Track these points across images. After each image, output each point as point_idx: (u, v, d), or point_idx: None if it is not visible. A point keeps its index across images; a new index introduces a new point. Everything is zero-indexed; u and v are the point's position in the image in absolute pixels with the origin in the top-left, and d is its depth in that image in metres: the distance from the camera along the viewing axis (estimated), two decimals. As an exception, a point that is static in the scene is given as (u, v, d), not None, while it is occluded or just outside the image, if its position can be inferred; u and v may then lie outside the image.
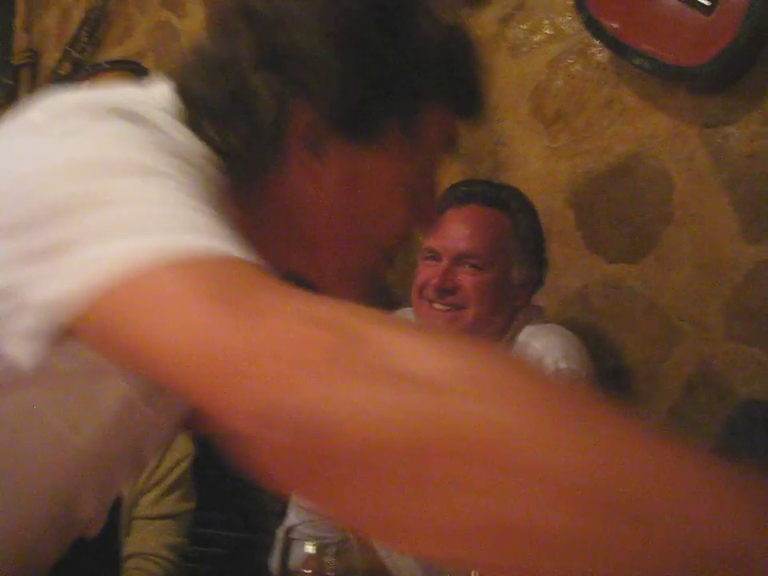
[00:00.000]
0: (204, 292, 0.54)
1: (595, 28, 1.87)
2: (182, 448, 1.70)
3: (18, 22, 3.01)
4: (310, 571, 1.09)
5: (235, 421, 0.51)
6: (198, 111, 0.80)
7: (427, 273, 1.62)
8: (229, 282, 0.55)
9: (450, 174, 1.88)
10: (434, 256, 1.62)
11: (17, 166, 0.68)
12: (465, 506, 0.46)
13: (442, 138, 0.90)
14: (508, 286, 1.61)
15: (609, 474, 0.44)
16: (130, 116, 0.70)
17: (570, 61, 2.06)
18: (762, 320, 1.79)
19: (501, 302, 1.60)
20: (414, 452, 0.47)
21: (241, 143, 0.80)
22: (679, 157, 1.91)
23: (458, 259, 1.60)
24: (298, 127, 0.81)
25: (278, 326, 0.52)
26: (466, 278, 1.58)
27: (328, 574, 1.08)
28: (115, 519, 1.40)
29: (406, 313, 1.70)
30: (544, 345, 1.58)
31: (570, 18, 2.03)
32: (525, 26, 2.13)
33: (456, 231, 1.63)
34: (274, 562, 1.24)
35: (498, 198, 1.67)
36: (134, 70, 2.47)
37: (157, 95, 0.81)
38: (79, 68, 2.59)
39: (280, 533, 1.44)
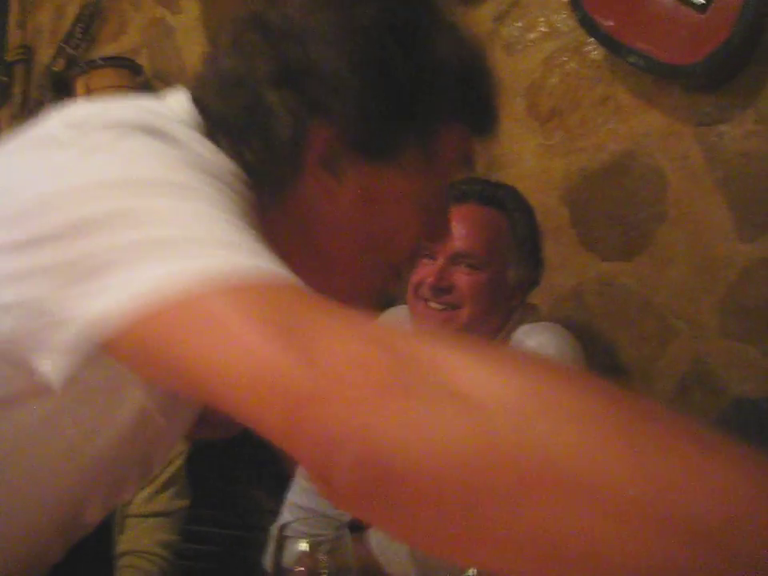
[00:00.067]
0: (257, 317, 0.54)
1: (590, 26, 1.87)
2: (176, 446, 1.70)
3: (12, 18, 3.00)
4: (303, 569, 1.09)
5: (300, 448, 0.51)
6: (213, 125, 0.79)
7: (423, 271, 1.61)
8: (279, 305, 0.55)
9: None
10: (430, 254, 1.62)
11: (40, 180, 0.67)
12: (542, 529, 0.46)
13: (459, 156, 0.89)
14: (504, 285, 1.61)
15: (688, 499, 0.44)
16: (153, 131, 0.69)
17: (565, 58, 2.06)
18: (756, 318, 1.80)
19: (496, 301, 1.60)
20: (482, 480, 0.46)
21: (256, 160, 0.79)
22: (673, 155, 1.91)
23: (454, 258, 1.60)
24: (314, 146, 0.80)
25: (336, 350, 0.51)
26: (461, 278, 1.58)
27: (322, 571, 1.08)
28: (108, 517, 1.40)
29: (400, 310, 1.70)
30: (538, 343, 1.58)
31: (564, 16, 2.03)
32: (520, 24, 2.13)
33: (453, 230, 1.63)
34: (268, 559, 1.24)
35: (496, 198, 1.66)
36: (128, 66, 2.46)
37: (175, 107, 0.80)
38: (73, 64, 2.58)
39: (274, 530, 1.44)
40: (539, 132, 2.09)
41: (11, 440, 0.74)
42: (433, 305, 1.58)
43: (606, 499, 0.44)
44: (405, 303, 1.68)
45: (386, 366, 0.49)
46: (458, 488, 0.47)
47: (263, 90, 0.79)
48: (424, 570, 1.39)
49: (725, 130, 1.85)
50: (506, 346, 1.61)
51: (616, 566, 0.44)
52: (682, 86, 1.89)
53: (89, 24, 2.63)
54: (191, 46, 2.50)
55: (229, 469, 1.90)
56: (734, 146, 1.84)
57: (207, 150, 0.73)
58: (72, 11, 2.74)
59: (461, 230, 1.61)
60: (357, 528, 1.25)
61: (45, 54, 2.85)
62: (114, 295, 0.57)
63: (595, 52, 2.00)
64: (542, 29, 2.09)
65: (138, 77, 2.47)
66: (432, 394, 0.48)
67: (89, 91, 2.35)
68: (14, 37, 2.98)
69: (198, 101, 0.81)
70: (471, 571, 1.02)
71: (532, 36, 2.11)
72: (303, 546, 1.09)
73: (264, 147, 0.79)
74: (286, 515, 1.63)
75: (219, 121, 0.80)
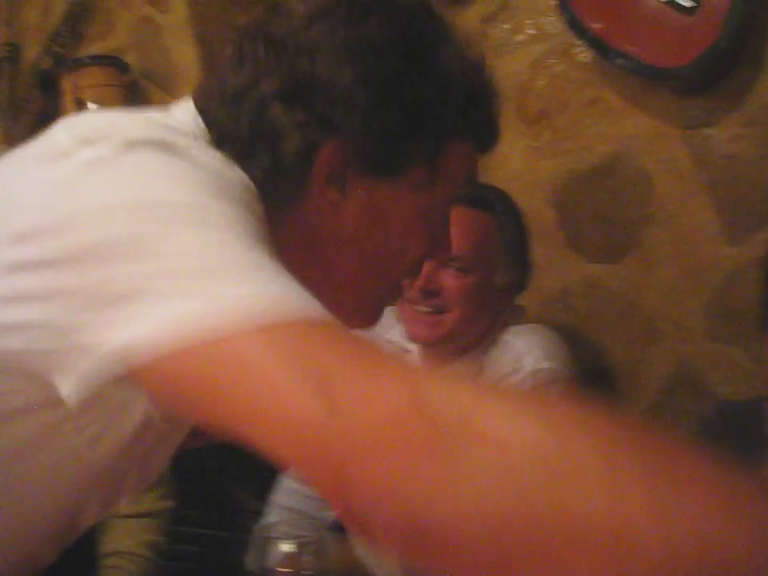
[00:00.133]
0: (290, 361, 0.54)
1: (578, 28, 1.87)
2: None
3: (-1, 15, 2.98)
4: (287, 570, 1.09)
5: (337, 504, 0.53)
6: (219, 137, 0.79)
7: (411, 274, 1.61)
8: (311, 347, 0.55)
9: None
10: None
11: (54, 197, 0.66)
12: None
13: (463, 172, 0.90)
14: (491, 288, 1.60)
15: (713, 548, 0.46)
16: (165, 146, 0.68)
17: (553, 61, 2.06)
18: (741, 320, 1.80)
19: (484, 304, 1.60)
20: (515, 541, 0.48)
21: (263, 174, 0.79)
22: (660, 157, 1.92)
23: (443, 261, 1.60)
24: (321, 161, 0.80)
25: (369, 405, 0.52)
26: (449, 281, 1.57)
27: (305, 572, 1.08)
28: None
29: (387, 313, 1.70)
30: (526, 344, 1.58)
31: (553, 18, 2.03)
32: (508, 26, 2.13)
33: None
34: (252, 560, 1.23)
35: (485, 200, 1.66)
36: (115, 65, 2.45)
37: (183, 119, 0.80)
38: (60, 63, 2.57)
39: (258, 531, 1.44)
40: (527, 134, 2.09)
41: (14, 445, 0.74)
42: (421, 308, 1.58)
43: (633, 557, 0.46)
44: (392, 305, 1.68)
45: (419, 425, 0.50)
46: (492, 548, 0.49)
47: (270, 105, 0.79)
48: (411, 571, 1.39)
49: (712, 132, 1.86)
50: (488, 350, 1.61)
51: None
52: (670, 89, 1.89)
53: (76, 22, 2.61)
54: (179, 45, 2.49)
55: (214, 470, 1.89)
56: (721, 149, 1.84)
57: (219, 164, 0.72)
58: (59, 9, 2.73)
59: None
60: (342, 529, 1.25)
61: (32, 52, 2.84)
62: (143, 325, 0.57)
63: (583, 54, 2.00)
64: (530, 31, 2.09)
65: (125, 75, 2.46)
66: (461, 452, 0.49)
67: (76, 90, 2.34)
68: (0, 34, 2.96)
69: (202, 112, 0.81)
70: None
71: (520, 38, 2.11)
72: (287, 547, 1.09)
73: (271, 162, 0.79)
74: (270, 516, 1.63)
75: (225, 134, 0.80)
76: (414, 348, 1.65)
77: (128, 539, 1.58)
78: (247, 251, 0.61)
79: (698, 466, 0.49)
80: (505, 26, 2.13)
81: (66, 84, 2.37)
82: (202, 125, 0.80)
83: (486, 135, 0.91)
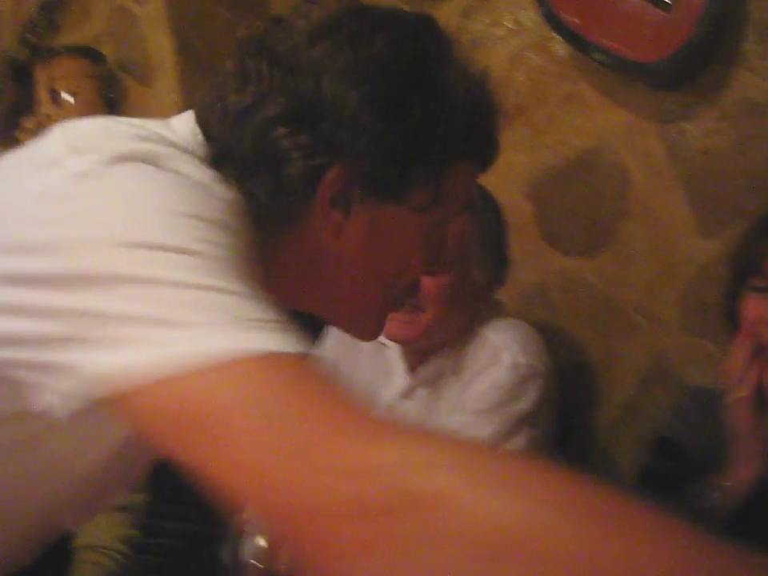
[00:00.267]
0: (260, 416, 0.54)
1: (555, 22, 1.87)
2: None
3: (-27, 4, 2.95)
4: (262, 565, 1.08)
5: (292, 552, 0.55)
6: (220, 155, 0.79)
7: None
8: (285, 401, 0.55)
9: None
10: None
11: (45, 211, 0.66)
12: None
13: (464, 192, 0.90)
14: (469, 286, 1.60)
15: None
16: (152, 160, 0.68)
17: (531, 55, 2.06)
18: (716, 314, 1.81)
19: (461, 302, 1.59)
20: None
21: (265, 195, 0.78)
22: (637, 152, 1.93)
23: None
24: (326, 185, 0.80)
25: (337, 476, 0.52)
26: (426, 279, 1.55)
27: (281, 567, 1.08)
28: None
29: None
30: (503, 339, 1.58)
31: (530, 12, 2.03)
32: (486, 20, 2.13)
33: None
34: (227, 554, 1.23)
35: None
36: (91, 55, 2.43)
37: (181, 131, 0.79)
38: (35, 53, 2.55)
39: (233, 526, 1.43)
40: (504, 128, 2.08)
41: None
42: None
43: None
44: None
45: (375, 490, 0.51)
46: None
47: (274, 127, 0.78)
48: None
49: (687, 127, 1.86)
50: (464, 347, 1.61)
51: None
52: (646, 84, 1.90)
53: (51, 12, 2.59)
54: (156, 35, 2.47)
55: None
56: (696, 144, 1.85)
57: (210, 181, 0.72)
58: (34, -1, 2.70)
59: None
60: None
61: (6, 42, 2.81)
62: (119, 357, 0.58)
63: (561, 49, 2.01)
64: (508, 25, 2.10)
65: (100, 66, 2.44)
66: (416, 521, 0.49)
67: (50, 80, 2.32)
68: (-26, 24, 2.93)
69: (202, 126, 0.80)
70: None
71: (498, 32, 2.11)
72: (262, 542, 1.09)
73: (274, 184, 0.79)
74: (246, 511, 1.62)
75: (227, 152, 0.79)
76: (391, 344, 1.65)
77: (102, 533, 1.57)
78: (227, 293, 0.61)
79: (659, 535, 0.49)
80: (483, 20, 2.13)
81: (41, 74, 2.35)
82: (200, 138, 0.79)
83: (487, 155, 0.91)
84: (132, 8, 2.51)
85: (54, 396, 0.61)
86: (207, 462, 0.56)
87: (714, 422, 1.43)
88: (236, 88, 0.80)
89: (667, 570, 0.47)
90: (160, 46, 2.42)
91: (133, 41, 2.52)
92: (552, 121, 2.03)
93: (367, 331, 0.94)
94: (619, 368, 1.97)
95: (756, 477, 1.30)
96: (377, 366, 1.72)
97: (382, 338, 1.62)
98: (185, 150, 0.75)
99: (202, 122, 0.80)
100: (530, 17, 2.04)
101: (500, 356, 1.56)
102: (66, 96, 2.33)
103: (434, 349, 1.63)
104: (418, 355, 1.65)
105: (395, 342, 1.63)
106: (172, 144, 0.74)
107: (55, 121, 2.33)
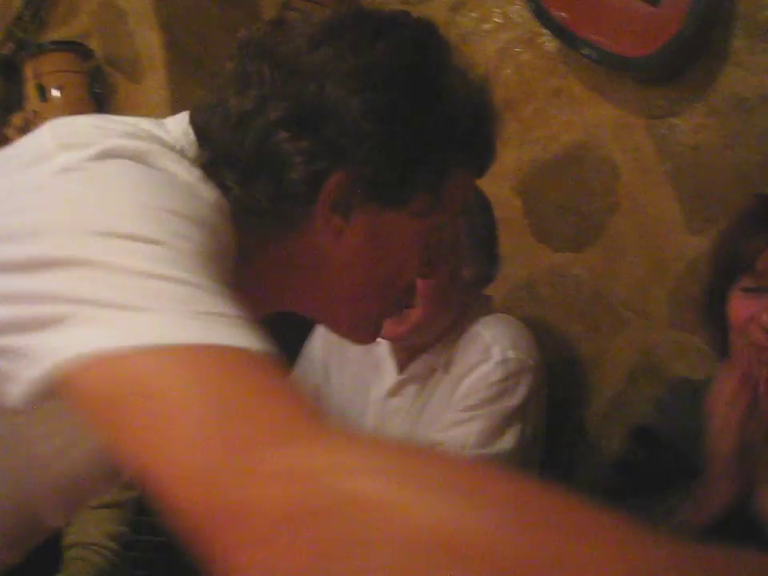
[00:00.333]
0: (199, 395, 0.53)
1: (544, 17, 1.88)
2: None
3: (-41, 0, 2.93)
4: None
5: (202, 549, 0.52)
6: (218, 158, 0.78)
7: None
8: (225, 402, 0.54)
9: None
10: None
11: (24, 199, 0.66)
12: None
13: (462, 197, 0.90)
14: (459, 283, 1.60)
15: None
16: (139, 158, 0.68)
17: (519, 50, 2.07)
18: (696, 311, 1.82)
19: (450, 299, 1.59)
20: None
21: (266, 199, 0.78)
22: (625, 147, 1.93)
23: None
24: (327, 190, 0.80)
25: (262, 475, 0.51)
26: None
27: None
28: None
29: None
30: (493, 335, 1.58)
31: (519, 7, 2.04)
32: (475, 14, 2.13)
33: None
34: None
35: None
36: (78, 51, 2.42)
37: (174, 131, 0.78)
38: (22, 48, 2.53)
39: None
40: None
41: None
42: None
43: None
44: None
45: (308, 494, 0.49)
46: None
47: (275, 132, 0.78)
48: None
49: (676, 122, 1.87)
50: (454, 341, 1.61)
51: None
52: (634, 79, 1.90)
53: (38, 7, 2.58)
54: (143, 30, 2.46)
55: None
56: (685, 139, 1.85)
57: (196, 181, 0.72)
58: (21, -6, 2.69)
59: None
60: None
61: (-7, 38, 2.80)
62: (65, 341, 0.57)
63: (549, 44, 2.01)
64: (497, 19, 2.10)
65: (88, 61, 2.43)
66: (347, 525, 0.48)
67: (38, 76, 2.31)
68: (-39, 19, 2.92)
69: (200, 129, 0.80)
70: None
71: (487, 27, 2.11)
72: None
73: (275, 188, 0.79)
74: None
75: (225, 155, 0.78)
76: (381, 341, 1.65)
77: (91, 530, 1.56)
78: (181, 280, 0.60)
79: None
80: (472, 15, 2.13)
81: (28, 70, 2.33)
82: (193, 139, 0.79)
83: (485, 160, 0.92)
84: (120, 3, 2.49)
85: (15, 386, 0.60)
86: (133, 444, 0.55)
87: (692, 413, 1.43)
88: (237, 91, 0.80)
89: (599, 569, 0.46)
90: (148, 41, 2.41)
91: (121, 36, 2.50)
92: (540, 116, 2.04)
93: (364, 335, 0.94)
94: (608, 363, 1.98)
95: (731, 499, 1.28)
96: (366, 363, 1.72)
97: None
98: (174, 149, 0.75)
99: (200, 124, 0.80)
100: (519, 12, 2.04)
101: (490, 351, 1.56)
102: (54, 91, 2.32)
103: (424, 346, 1.63)
104: (407, 352, 1.65)
105: (384, 339, 1.62)
106: (163, 143, 0.74)
107: (43, 117, 2.33)
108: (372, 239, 0.84)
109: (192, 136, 0.79)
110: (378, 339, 1.63)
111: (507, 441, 1.52)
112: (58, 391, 0.58)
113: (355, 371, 1.73)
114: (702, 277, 1.47)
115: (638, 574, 0.46)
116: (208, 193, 0.72)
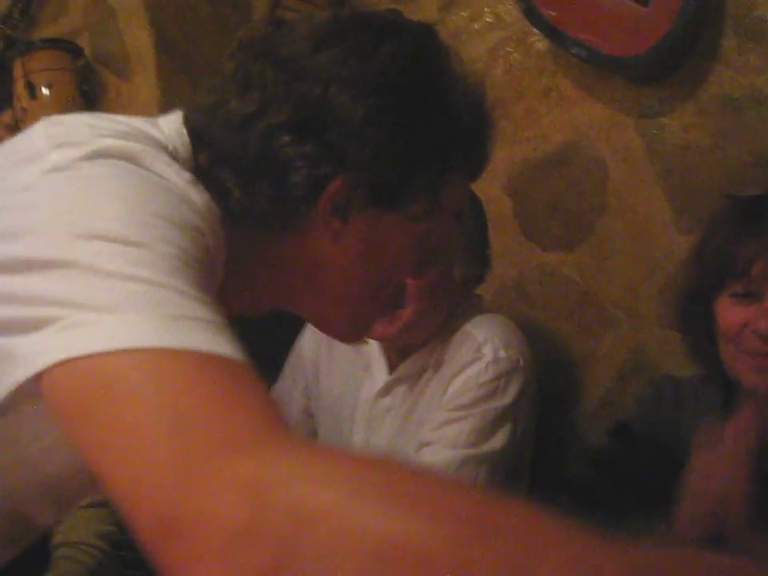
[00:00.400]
0: (156, 415, 0.53)
1: (533, 16, 1.87)
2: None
3: (-52, -3, 2.92)
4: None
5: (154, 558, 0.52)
6: (219, 161, 0.78)
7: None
8: (188, 408, 0.53)
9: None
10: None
11: (14, 199, 0.66)
12: None
13: (458, 202, 0.91)
14: (449, 283, 1.60)
15: None
16: (131, 158, 0.68)
17: (509, 49, 2.07)
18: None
19: (440, 300, 1.59)
20: None
21: (266, 201, 0.79)
22: (615, 146, 1.93)
23: None
24: (329, 195, 0.80)
25: (217, 488, 0.50)
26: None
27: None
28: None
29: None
30: (484, 334, 1.58)
31: (509, 6, 2.04)
32: (465, 13, 2.13)
33: None
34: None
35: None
36: (68, 49, 2.41)
37: (167, 131, 0.78)
38: (11, 46, 2.52)
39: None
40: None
41: None
42: None
43: None
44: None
45: (256, 511, 0.49)
46: None
47: (278, 134, 0.78)
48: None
49: (666, 122, 1.87)
50: (444, 341, 1.61)
51: None
52: (625, 78, 1.90)
53: (27, 5, 2.57)
54: (133, 28, 2.45)
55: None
56: (675, 139, 1.86)
57: (186, 185, 0.71)
58: (10, -9, 2.68)
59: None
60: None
61: (-18, 35, 2.79)
62: (43, 337, 0.57)
63: (539, 43, 2.01)
64: (487, 19, 2.10)
65: (78, 59, 2.42)
66: (294, 541, 0.48)
67: (27, 73, 2.30)
68: (-51, 17, 2.90)
69: (198, 130, 0.80)
70: None
71: (477, 26, 2.11)
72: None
73: (276, 191, 0.79)
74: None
75: (226, 157, 0.79)
76: (371, 341, 1.65)
77: (80, 529, 1.56)
78: (159, 283, 0.60)
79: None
80: (462, 14, 2.13)
81: (17, 68, 2.33)
82: (186, 140, 0.79)
83: (481, 167, 0.93)
84: (109, 1, 2.49)
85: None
86: (93, 450, 0.55)
87: (674, 409, 1.43)
88: (238, 93, 0.80)
89: None
90: (138, 39, 2.41)
91: (111, 34, 2.50)
92: (530, 115, 2.04)
93: (353, 334, 0.95)
94: (597, 361, 1.98)
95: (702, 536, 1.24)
96: (356, 363, 1.72)
97: (361, 335, 1.62)
98: (167, 149, 0.75)
99: (198, 125, 0.80)
100: (509, 11, 2.04)
101: (482, 350, 1.56)
102: (43, 90, 2.31)
103: (414, 346, 1.63)
104: (398, 352, 1.65)
105: (374, 339, 1.62)
106: (156, 143, 0.74)
107: (32, 114, 2.32)
108: (369, 242, 0.85)
109: (185, 136, 0.79)
110: (369, 339, 1.63)
111: (498, 440, 1.52)
112: (39, 394, 0.58)
113: (345, 371, 1.73)
114: (683, 282, 1.45)
115: None
116: (197, 197, 0.71)
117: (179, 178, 0.71)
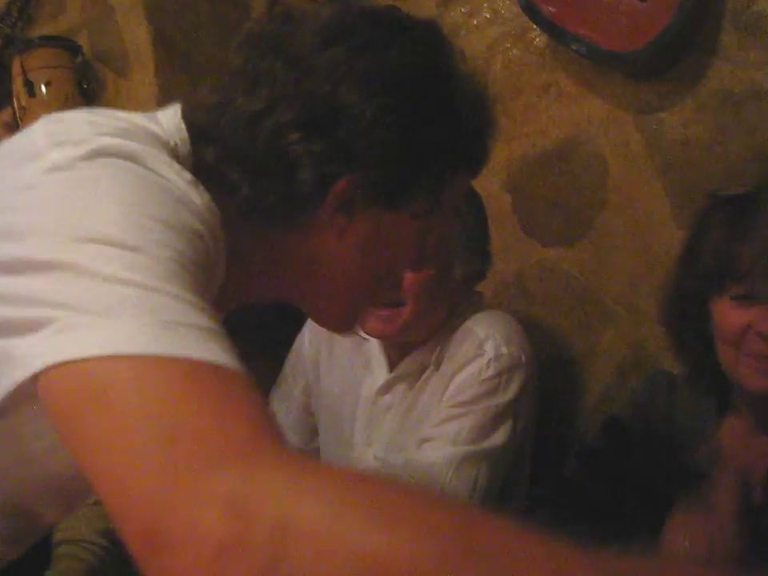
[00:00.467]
0: (146, 424, 0.53)
1: (532, 12, 1.87)
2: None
3: (-54, -5, 2.92)
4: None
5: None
6: (226, 157, 0.78)
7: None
8: (178, 418, 0.53)
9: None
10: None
11: (15, 198, 0.66)
12: None
13: (458, 199, 0.93)
14: (450, 281, 1.60)
15: None
16: (131, 158, 0.68)
17: (508, 45, 2.06)
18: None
19: (441, 297, 1.59)
20: None
21: (273, 197, 0.79)
22: (614, 142, 1.93)
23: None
24: (336, 193, 0.81)
25: (201, 502, 0.50)
26: (406, 275, 1.54)
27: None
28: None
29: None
30: (485, 331, 1.58)
31: (508, 2, 2.04)
32: (464, 9, 2.13)
33: None
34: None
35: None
36: (66, 47, 2.41)
37: (167, 126, 0.78)
38: (10, 44, 2.52)
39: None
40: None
41: None
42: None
43: None
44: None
45: (238, 527, 0.49)
46: None
47: (287, 132, 0.78)
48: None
49: (665, 117, 1.87)
50: (446, 338, 1.61)
51: None
52: (624, 74, 1.90)
53: (26, 2, 2.56)
54: (132, 26, 2.45)
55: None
56: (674, 134, 1.86)
57: (186, 186, 0.71)
58: (9, -11, 2.67)
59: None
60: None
61: (-20, 33, 2.78)
62: (40, 339, 0.57)
63: (538, 38, 2.01)
64: (486, 14, 2.09)
65: (77, 57, 2.42)
66: (275, 556, 0.48)
67: (25, 71, 2.30)
68: (-52, 15, 2.90)
69: (204, 126, 0.80)
70: None
71: (476, 22, 2.11)
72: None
73: (283, 188, 0.79)
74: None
75: (234, 154, 0.79)
76: (371, 339, 1.65)
77: (81, 527, 1.56)
78: (156, 288, 0.60)
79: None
80: (461, 10, 2.13)
81: (16, 66, 2.32)
82: (185, 136, 0.79)
83: (482, 166, 0.94)
84: (108, -2, 2.48)
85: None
86: (86, 456, 0.55)
87: (668, 405, 1.42)
88: (246, 89, 0.80)
89: None
90: (137, 36, 2.40)
91: (109, 32, 2.49)
92: (530, 111, 2.04)
93: (346, 325, 0.95)
94: (597, 357, 1.98)
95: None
96: (357, 361, 1.72)
97: (362, 333, 1.62)
98: (168, 145, 0.75)
99: (203, 121, 0.80)
100: (508, 6, 2.04)
101: (483, 347, 1.55)
102: (42, 87, 2.31)
103: (415, 343, 1.63)
104: (398, 350, 1.65)
105: (375, 337, 1.62)
106: (157, 138, 0.74)
107: (31, 112, 2.32)
108: (372, 238, 0.85)
109: (184, 132, 0.79)
110: (369, 337, 1.63)
111: (499, 437, 1.52)
112: (36, 395, 0.58)
113: (346, 369, 1.73)
114: (675, 283, 1.42)
115: None
116: (197, 198, 0.71)
117: (179, 178, 0.71)
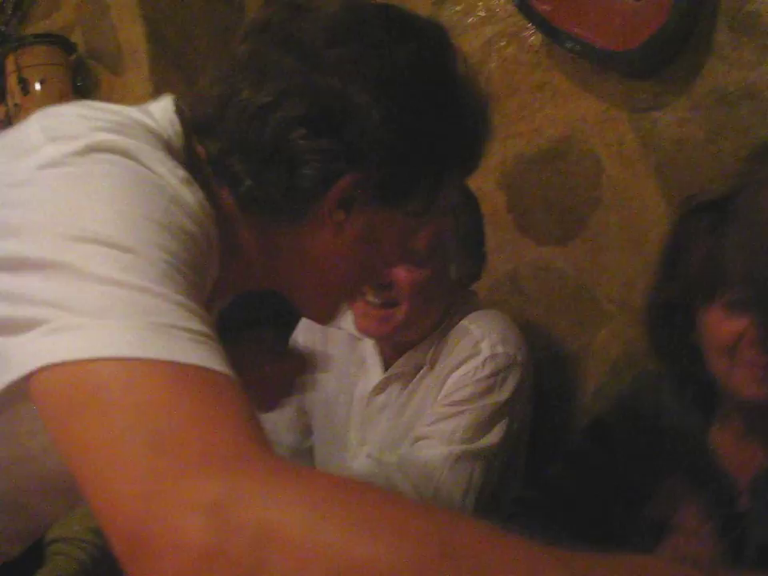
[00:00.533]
0: (134, 427, 0.53)
1: (527, 10, 1.87)
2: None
3: (-60, -8, 2.91)
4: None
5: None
6: (230, 150, 0.79)
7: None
8: (166, 423, 0.53)
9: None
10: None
11: (9, 193, 0.66)
12: None
13: (451, 199, 0.94)
14: (445, 280, 1.59)
15: None
16: (126, 154, 0.68)
17: (503, 43, 2.06)
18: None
19: (436, 297, 1.59)
20: None
21: (276, 191, 0.79)
22: (609, 141, 1.93)
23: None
24: (338, 190, 0.81)
25: (184, 510, 0.50)
26: (402, 274, 1.53)
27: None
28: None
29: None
30: (481, 330, 1.58)
31: (503, 1, 2.04)
32: (459, 8, 2.13)
33: None
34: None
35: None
36: (61, 44, 2.41)
37: (161, 119, 0.78)
38: (4, 41, 2.51)
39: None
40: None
41: None
42: (370, 299, 1.55)
43: None
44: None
45: (219, 534, 0.49)
46: None
47: (294, 127, 0.78)
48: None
49: (659, 116, 1.87)
50: (440, 338, 1.60)
51: None
52: (618, 73, 1.90)
53: (20, 0, 2.56)
54: (126, 24, 2.45)
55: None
56: (668, 133, 1.86)
57: (180, 183, 0.70)
58: (3, -14, 2.67)
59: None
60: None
61: (-26, 31, 2.77)
62: (32, 339, 0.57)
63: (533, 37, 2.01)
64: (481, 13, 2.09)
65: (71, 55, 2.42)
66: (257, 563, 0.48)
67: (19, 69, 2.30)
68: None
69: (206, 119, 0.80)
70: None
71: (471, 20, 2.11)
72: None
73: (286, 181, 0.79)
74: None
75: (239, 146, 0.79)
76: (366, 338, 1.65)
77: (74, 525, 1.55)
78: (147, 290, 0.60)
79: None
80: (456, 8, 2.13)
81: (10, 63, 2.32)
82: (179, 129, 0.78)
83: (477, 165, 0.95)
84: (102, -5, 2.48)
85: None
86: (71, 453, 0.55)
87: (654, 406, 1.41)
88: (253, 81, 0.80)
89: None
90: (131, 34, 2.40)
91: (103, 29, 2.49)
92: (524, 110, 2.04)
93: (326, 315, 0.96)
94: (591, 356, 1.98)
95: None
96: (351, 360, 1.72)
97: (357, 332, 1.62)
98: (162, 138, 0.74)
99: (206, 114, 0.80)
100: (502, 5, 2.04)
101: (479, 346, 1.55)
102: (36, 85, 2.31)
103: (410, 343, 1.63)
104: (393, 349, 1.65)
105: (370, 337, 1.62)
106: (151, 132, 0.73)
107: (25, 110, 2.31)
108: (367, 234, 0.86)
109: (178, 126, 0.79)
110: (364, 337, 1.63)
111: (494, 436, 1.51)
112: (28, 395, 0.58)
113: (340, 368, 1.73)
114: (658, 294, 1.41)
115: None
116: (191, 197, 0.71)
117: (173, 176, 0.70)
